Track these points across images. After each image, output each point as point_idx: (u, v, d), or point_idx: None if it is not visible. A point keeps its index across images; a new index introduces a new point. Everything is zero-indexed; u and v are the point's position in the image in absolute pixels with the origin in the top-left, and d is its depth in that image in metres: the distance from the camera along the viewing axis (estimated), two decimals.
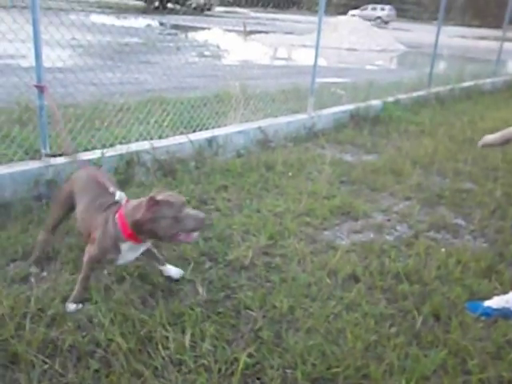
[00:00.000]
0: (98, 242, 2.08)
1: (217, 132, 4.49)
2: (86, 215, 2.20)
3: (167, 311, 2.10)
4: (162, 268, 2.40)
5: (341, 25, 19.58)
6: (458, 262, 2.78)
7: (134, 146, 3.78)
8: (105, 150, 3.48)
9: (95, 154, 3.47)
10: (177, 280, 2.38)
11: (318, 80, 5.59)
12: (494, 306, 2.29)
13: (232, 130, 4.61)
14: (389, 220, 3.37)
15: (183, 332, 1.99)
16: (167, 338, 1.95)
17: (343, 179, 4.04)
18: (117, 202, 2.17)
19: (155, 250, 2.38)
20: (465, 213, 3.56)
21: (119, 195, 2.21)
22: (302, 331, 2.07)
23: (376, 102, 6.39)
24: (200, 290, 2.26)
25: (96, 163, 3.37)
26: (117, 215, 2.09)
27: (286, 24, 26.54)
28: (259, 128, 4.82)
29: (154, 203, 1.98)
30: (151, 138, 4.03)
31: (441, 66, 10.18)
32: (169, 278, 2.38)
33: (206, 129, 4.54)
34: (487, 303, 2.32)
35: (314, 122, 5.45)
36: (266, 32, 20.67)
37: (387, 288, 2.46)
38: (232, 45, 15.49)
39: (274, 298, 2.27)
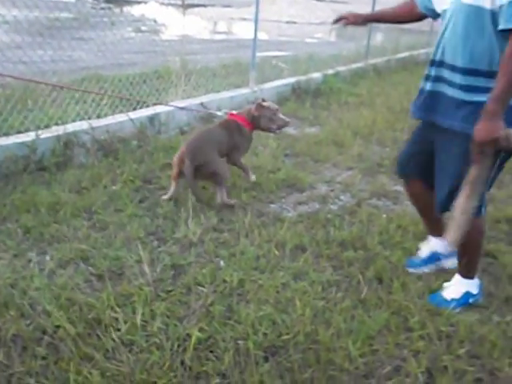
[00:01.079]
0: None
1: (158, 109, 4.39)
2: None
3: (115, 293, 2.07)
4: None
5: None
6: (399, 226, 2.90)
7: (71, 127, 3.63)
8: (39, 132, 3.32)
9: (29, 137, 3.30)
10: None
11: (259, 54, 5.56)
12: (424, 256, 2.48)
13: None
14: (332, 190, 3.45)
15: (134, 313, 1.97)
16: (117, 319, 1.93)
17: (287, 152, 4.08)
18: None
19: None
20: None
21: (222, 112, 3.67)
22: (253, 303, 2.10)
23: (317, 75, 6.45)
24: (147, 269, 2.24)
25: (30, 146, 3.22)
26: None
27: None
28: (201, 104, 4.76)
29: (260, 106, 3.25)
30: (89, 118, 3.88)
31: (378, 37, 10.37)
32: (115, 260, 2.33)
33: (147, 106, 4.43)
34: (419, 256, 2.51)
35: (257, 96, 5.43)
36: (205, 5, 20.19)
37: (333, 256, 2.53)
38: (170, 19, 15.03)
39: (224, 272, 2.28)
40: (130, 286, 2.12)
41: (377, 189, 3.48)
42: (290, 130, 4.71)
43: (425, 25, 11.32)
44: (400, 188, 3.55)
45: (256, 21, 5.33)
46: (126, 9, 17.83)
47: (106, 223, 2.67)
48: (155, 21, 14.67)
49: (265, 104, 3.28)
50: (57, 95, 4.05)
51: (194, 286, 2.18)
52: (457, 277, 2.25)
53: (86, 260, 2.33)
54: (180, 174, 2.97)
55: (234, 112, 3.41)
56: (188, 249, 2.49)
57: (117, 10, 17.54)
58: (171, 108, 4.47)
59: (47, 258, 2.35)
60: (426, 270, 2.45)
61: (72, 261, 2.31)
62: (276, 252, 2.48)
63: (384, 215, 3.05)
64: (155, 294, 2.10)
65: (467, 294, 2.23)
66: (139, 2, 19.06)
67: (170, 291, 2.14)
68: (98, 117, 3.96)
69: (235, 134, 3.21)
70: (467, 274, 2.22)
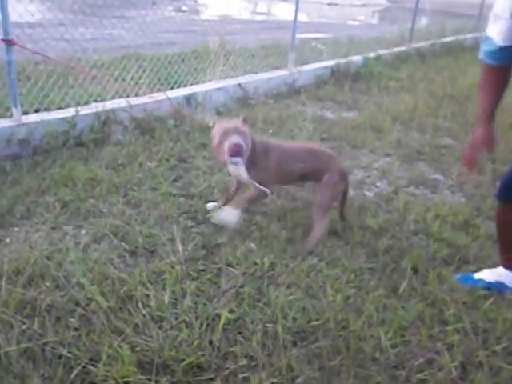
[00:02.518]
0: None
1: (195, 89, 4.38)
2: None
3: (147, 270, 2.09)
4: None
5: None
6: (436, 216, 2.81)
7: (110, 104, 3.67)
8: (79, 108, 3.37)
9: (69, 113, 3.36)
10: None
11: (298, 35, 5.45)
12: (487, 280, 2.19)
13: (211, 87, 4.50)
14: (369, 176, 3.37)
15: (164, 290, 1.99)
16: (148, 296, 1.95)
17: (324, 136, 4.01)
18: None
19: None
20: (443, 168, 3.58)
21: None
22: (283, 287, 2.08)
23: (357, 58, 6.29)
24: (180, 248, 2.24)
25: (70, 122, 3.27)
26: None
27: None
28: (239, 85, 4.72)
29: None
30: (127, 96, 3.91)
31: (422, 21, 10.01)
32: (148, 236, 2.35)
33: (185, 86, 4.42)
34: (478, 276, 2.22)
35: (295, 79, 5.35)
36: None
37: (367, 243, 2.47)
38: None
39: (255, 255, 2.27)
40: (162, 264, 2.13)
41: (415, 176, 3.38)
42: (327, 114, 4.63)
43: (472, 9, 10.87)
44: (440, 176, 3.45)
45: (297, 1, 5.22)
46: None
47: (141, 200, 2.69)
48: (195, 0, 14.65)
49: None
50: (97, 72, 4.10)
51: (225, 267, 2.17)
52: (500, 268, 2.19)
53: (120, 236, 2.35)
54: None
55: None
56: (220, 230, 2.48)
57: None
58: (209, 88, 4.46)
59: (83, 232, 2.39)
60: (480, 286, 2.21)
61: (106, 236, 2.34)
62: (308, 238, 2.44)
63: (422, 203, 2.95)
64: (186, 272, 2.11)
65: (499, 283, 2.17)
66: None
67: (201, 271, 2.14)
68: (136, 95, 3.98)
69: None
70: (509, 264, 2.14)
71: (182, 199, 2.75)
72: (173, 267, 2.12)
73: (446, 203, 2.98)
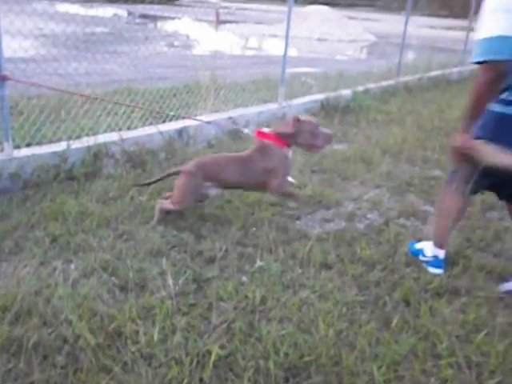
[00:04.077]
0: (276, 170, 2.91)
1: (187, 122, 4.43)
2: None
3: (137, 305, 2.06)
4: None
5: (311, 15, 19.59)
6: None
7: (102, 138, 3.69)
8: (71, 142, 3.39)
9: (61, 147, 3.37)
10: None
11: (288, 70, 5.57)
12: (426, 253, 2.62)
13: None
14: (359, 208, 3.39)
15: (154, 326, 1.96)
16: (137, 332, 1.91)
17: (315, 169, 4.05)
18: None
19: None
20: (433, 200, 3.61)
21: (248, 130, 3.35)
22: (275, 321, 2.06)
23: (346, 92, 6.42)
24: (170, 282, 2.22)
25: (61, 156, 3.28)
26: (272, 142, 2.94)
27: (257, 14, 26.40)
28: (230, 118, 4.79)
29: (297, 121, 2.91)
30: (120, 130, 3.94)
31: (409, 55, 10.29)
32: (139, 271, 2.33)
33: (177, 119, 4.48)
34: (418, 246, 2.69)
35: (285, 112, 5.44)
36: (237, 22, 20.51)
37: (359, 275, 2.47)
38: (202, 35, 15.31)
39: (247, 288, 2.25)
40: (152, 299, 2.11)
41: (405, 208, 3.41)
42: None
43: (457, 44, 11.21)
44: (429, 208, 3.47)
45: (287, 37, 5.35)
46: (160, 24, 18.26)
47: (132, 234, 2.68)
48: (187, 36, 14.98)
49: (303, 118, 2.95)
50: (89, 107, 4.14)
51: (216, 302, 2.15)
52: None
53: (110, 270, 2.33)
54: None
55: (265, 130, 3.03)
56: (211, 263, 2.47)
57: (151, 26, 17.98)
58: (199, 122, 4.51)
59: (72, 266, 2.37)
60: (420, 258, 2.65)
61: (96, 271, 2.32)
62: (300, 270, 2.44)
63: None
64: (177, 307, 2.08)
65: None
66: (173, 18, 19.51)
67: (192, 305, 2.12)
68: (129, 128, 4.02)
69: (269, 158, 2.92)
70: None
71: (173, 232, 2.74)
72: (163, 302, 2.09)
73: None
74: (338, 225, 3.11)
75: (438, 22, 27.50)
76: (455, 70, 9.79)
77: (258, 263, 2.46)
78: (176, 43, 13.24)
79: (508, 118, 2.14)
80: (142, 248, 2.53)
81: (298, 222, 3.10)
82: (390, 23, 20.91)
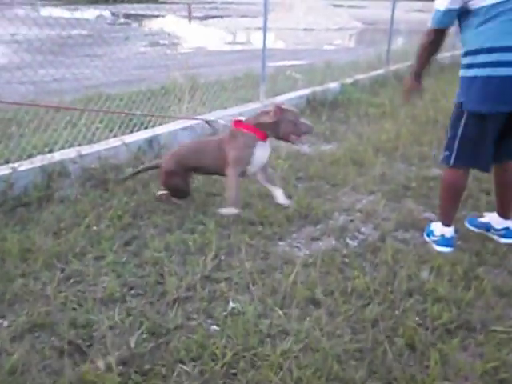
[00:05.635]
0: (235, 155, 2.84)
1: (158, 130, 4.00)
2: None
3: (75, 377, 1.65)
4: (274, 191, 3.02)
5: (296, 4, 19.11)
6: (431, 268, 2.42)
7: (59, 155, 3.26)
8: (16, 164, 2.96)
9: (6, 170, 2.94)
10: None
11: (274, 64, 5.16)
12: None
13: (176, 127, 4.13)
14: (352, 221, 2.98)
15: None
16: None
17: (300, 175, 3.63)
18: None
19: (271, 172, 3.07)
20: (433, 204, 3.19)
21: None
22: None
23: (334, 85, 6.00)
24: (121, 341, 1.81)
25: (6, 181, 2.85)
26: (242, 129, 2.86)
27: (241, 7, 25.82)
28: (206, 122, 4.35)
29: (280, 110, 2.80)
30: (79, 144, 3.51)
31: (399, 42, 9.84)
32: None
33: (146, 128, 4.05)
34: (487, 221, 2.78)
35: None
36: (221, 16, 20.03)
37: (352, 313, 2.06)
38: (186, 32, 14.82)
39: (216, 342, 1.84)
40: (94, 368, 1.69)
41: (403, 217, 3.00)
42: (303, 148, 4.27)
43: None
44: (430, 215, 3.07)
45: (264, 29, 4.92)
46: (144, 23, 17.74)
47: (82, 275, 2.26)
48: (169, 34, 14.47)
49: (284, 107, 2.87)
50: (51, 118, 3.68)
51: (177, 364, 1.74)
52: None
53: (50, 327, 1.91)
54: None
55: (242, 119, 2.96)
56: (175, 308, 2.06)
57: (135, 25, 17.45)
58: (173, 128, 4.09)
59: (5, 324, 1.95)
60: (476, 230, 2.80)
61: (32, 329, 1.90)
62: (281, 312, 2.02)
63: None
64: (127, 377, 1.67)
65: (442, 237, 2.64)
66: (157, 16, 18.98)
67: (146, 372, 1.70)
68: (90, 143, 3.59)
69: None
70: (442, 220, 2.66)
71: (132, 269, 2.32)
72: (110, 369, 1.68)
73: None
74: (328, 243, 2.70)
75: (426, 5, 27.00)
76: (447, 54, 9.34)
77: (231, 305, 2.05)
78: (159, 42, 12.75)
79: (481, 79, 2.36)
80: (92, 293, 2.12)
81: (280, 243, 2.69)
82: (377, 9, 20.37)
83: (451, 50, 9.59)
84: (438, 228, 2.68)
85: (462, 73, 2.47)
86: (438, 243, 2.64)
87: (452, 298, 2.17)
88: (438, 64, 8.49)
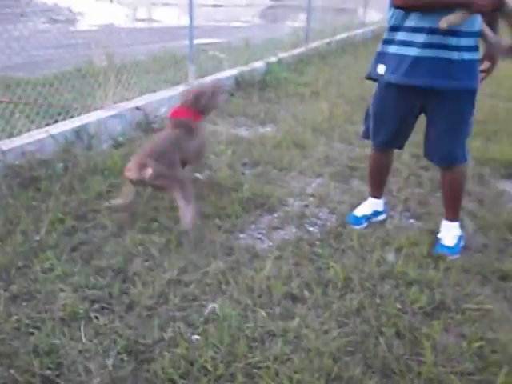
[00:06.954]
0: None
1: (86, 119, 3.65)
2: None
3: None
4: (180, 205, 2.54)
5: None
6: (396, 250, 2.44)
7: None
8: None
9: None
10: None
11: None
12: (367, 213, 2.73)
13: (104, 115, 3.79)
14: (306, 206, 2.94)
15: None
16: None
17: (245, 161, 3.51)
18: None
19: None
20: None
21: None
22: None
23: (259, 64, 5.89)
24: (95, 367, 1.61)
25: None
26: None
27: None
28: (136, 108, 4.06)
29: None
30: None
31: (315, 18, 9.94)
32: None
33: (71, 116, 3.67)
34: (358, 213, 2.74)
35: None
36: None
37: (334, 305, 2.01)
38: (86, 7, 13.80)
39: (202, 354, 1.69)
40: None
41: (355, 199, 3.00)
42: (242, 132, 4.15)
43: (358, 3, 11.05)
44: None
45: (191, 6, 4.66)
46: None
47: (31, 292, 1.98)
48: (69, 9, 13.40)
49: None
50: None
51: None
52: (444, 222, 2.53)
53: (6, 358, 1.65)
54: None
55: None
56: (148, 319, 1.87)
57: (26, 0, 15.96)
58: (102, 116, 3.75)
59: None
60: (365, 224, 2.70)
61: None
62: (263, 313, 1.92)
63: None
64: None
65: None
66: None
67: None
68: (10, 136, 3.18)
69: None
70: (454, 217, 2.52)
71: (89, 280, 2.08)
72: None
73: (399, 229, 2.64)
74: (289, 232, 2.63)
75: None
76: (358, 31, 9.62)
77: (210, 306, 1.90)
78: (58, 18, 11.73)
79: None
80: (49, 313, 1.86)
81: (241, 235, 2.57)
82: None
83: (361, 27, 9.90)
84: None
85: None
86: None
87: (422, 279, 2.21)
88: (351, 41, 8.72)
